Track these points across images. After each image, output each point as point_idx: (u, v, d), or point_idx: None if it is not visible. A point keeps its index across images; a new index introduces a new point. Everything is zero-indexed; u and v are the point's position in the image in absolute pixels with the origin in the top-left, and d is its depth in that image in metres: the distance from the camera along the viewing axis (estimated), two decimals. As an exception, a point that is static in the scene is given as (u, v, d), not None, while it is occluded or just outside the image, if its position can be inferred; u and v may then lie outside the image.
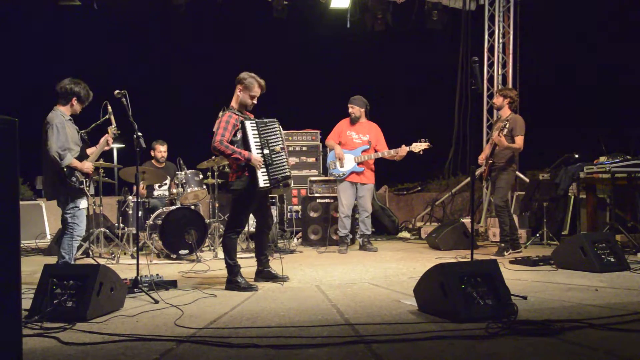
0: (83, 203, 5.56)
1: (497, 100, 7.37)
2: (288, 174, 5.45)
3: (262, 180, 5.21)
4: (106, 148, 5.87)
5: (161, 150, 8.57)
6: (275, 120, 5.45)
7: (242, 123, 5.23)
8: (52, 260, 6.10)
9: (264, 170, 5.23)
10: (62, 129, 5.32)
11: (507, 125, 7.04)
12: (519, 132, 7.05)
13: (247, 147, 5.20)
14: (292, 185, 9.42)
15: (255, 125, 5.29)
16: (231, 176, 5.31)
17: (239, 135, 5.21)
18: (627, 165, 6.91)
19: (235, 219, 5.32)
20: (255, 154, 5.18)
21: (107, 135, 5.80)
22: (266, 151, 5.26)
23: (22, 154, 2.58)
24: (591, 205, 7.67)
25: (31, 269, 6.33)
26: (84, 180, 5.51)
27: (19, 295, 2.70)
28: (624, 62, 12.48)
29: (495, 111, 9.55)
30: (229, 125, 5.15)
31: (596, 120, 12.15)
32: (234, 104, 5.36)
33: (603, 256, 5.69)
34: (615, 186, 7.08)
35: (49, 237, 9.37)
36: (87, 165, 5.53)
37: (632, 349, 3.11)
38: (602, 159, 7.23)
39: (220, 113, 5.86)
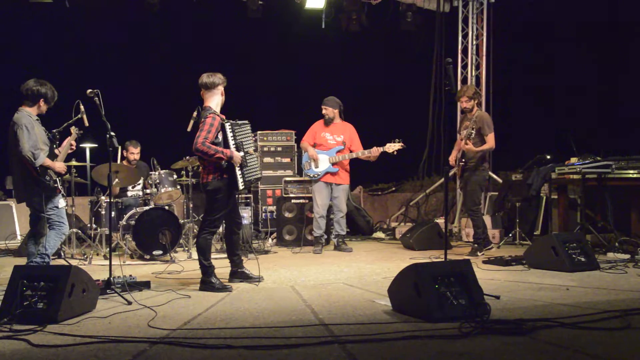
0: (61, 202, 5.51)
1: (468, 104, 7.26)
2: (259, 175, 5.60)
3: (240, 182, 5.23)
4: (70, 150, 5.82)
5: (133, 152, 8.42)
6: (247, 122, 5.48)
7: (222, 125, 5.23)
8: (23, 261, 6.01)
9: (239, 171, 5.24)
10: (31, 129, 5.25)
11: (473, 127, 7.02)
12: (488, 130, 7.09)
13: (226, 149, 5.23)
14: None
15: (231, 127, 5.28)
16: (205, 177, 5.27)
17: (220, 137, 5.20)
18: (597, 166, 7.01)
19: (211, 219, 5.30)
20: (236, 153, 5.21)
21: (69, 138, 5.74)
22: (241, 153, 5.27)
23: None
24: (562, 205, 7.77)
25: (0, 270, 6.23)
26: (57, 179, 5.45)
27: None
28: (598, 62, 12.64)
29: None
30: (212, 128, 5.12)
31: (568, 121, 12.28)
32: (213, 105, 5.32)
33: (574, 256, 5.79)
34: (585, 187, 7.17)
35: (19, 237, 9.20)
36: (60, 165, 5.48)
37: (601, 347, 3.17)
38: (573, 160, 7.32)
39: (195, 113, 5.84)
